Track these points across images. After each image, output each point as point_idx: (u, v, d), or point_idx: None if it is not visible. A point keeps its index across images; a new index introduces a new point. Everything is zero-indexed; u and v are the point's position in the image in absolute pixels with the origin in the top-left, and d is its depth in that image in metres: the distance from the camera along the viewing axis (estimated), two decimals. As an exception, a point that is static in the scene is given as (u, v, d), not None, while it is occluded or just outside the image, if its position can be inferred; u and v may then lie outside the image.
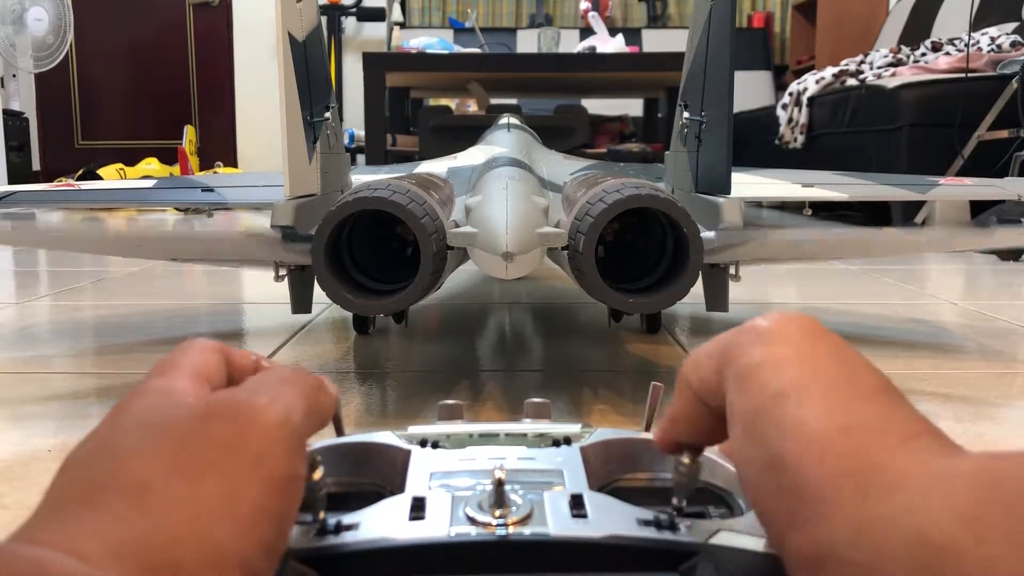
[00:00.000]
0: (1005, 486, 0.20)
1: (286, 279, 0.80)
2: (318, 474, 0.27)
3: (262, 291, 1.40)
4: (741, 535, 0.26)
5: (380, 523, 0.27)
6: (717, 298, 0.81)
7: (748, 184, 1.20)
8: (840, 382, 0.25)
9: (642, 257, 0.75)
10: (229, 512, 0.22)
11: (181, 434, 0.24)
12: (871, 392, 0.25)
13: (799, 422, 0.24)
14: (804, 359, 0.26)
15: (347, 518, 0.27)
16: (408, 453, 0.32)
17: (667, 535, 0.26)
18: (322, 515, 0.27)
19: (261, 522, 0.23)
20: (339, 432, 0.34)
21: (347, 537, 0.26)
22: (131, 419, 0.25)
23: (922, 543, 0.20)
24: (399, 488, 0.29)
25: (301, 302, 0.81)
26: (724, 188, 0.80)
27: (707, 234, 0.72)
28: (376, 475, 0.32)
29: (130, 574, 0.20)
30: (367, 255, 0.74)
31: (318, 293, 0.73)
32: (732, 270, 0.79)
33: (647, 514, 0.27)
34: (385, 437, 0.33)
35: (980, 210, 2.08)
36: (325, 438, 0.33)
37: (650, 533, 0.26)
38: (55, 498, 0.23)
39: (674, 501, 0.29)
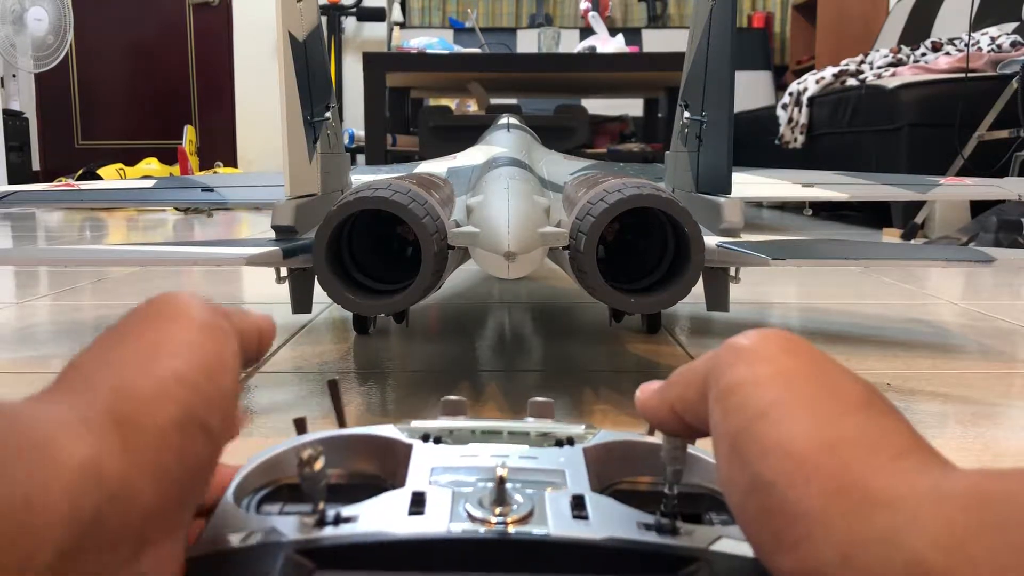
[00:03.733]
0: (996, 508, 0.20)
1: (287, 280, 0.80)
2: (318, 465, 0.27)
3: (262, 291, 1.40)
4: (742, 542, 0.26)
5: (379, 516, 0.27)
6: (718, 298, 0.81)
7: (748, 184, 1.20)
8: (823, 398, 0.25)
9: (643, 257, 0.75)
10: (169, 360, 0.26)
11: (130, 320, 0.29)
12: (856, 406, 0.25)
13: (782, 441, 0.24)
14: (785, 376, 0.25)
15: (346, 510, 0.27)
16: (410, 447, 0.32)
17: (667, 540, 0.26)
18: (321, 506, 0.27)
19: (205, 368, 0.27)
20: (341, 424, 0.34)
21: (345, 529, 0.26)
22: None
23: (914, 566, 0.19)
24: (400, 482, 0.29)
25: (301, 302, 0.81)
26: (725, 188, 0.80)
27: (710, 243, 0.72)
28: (377, 468, 0.32)
29: (101, 423, 0.24)
30: (368, 255, 0.74)
31: (318, 293, 0.74)
32: (732, 271, 0.79)
33: (648, 518, 0.27)
34: (387, 430, 0.33)
35: (980, 210, 2.08)
36: (328, 429, 0.33)
37: (650, 537, 0.26)
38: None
39: (665, 490, 0.29)
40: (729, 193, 0.80)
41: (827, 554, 0.21)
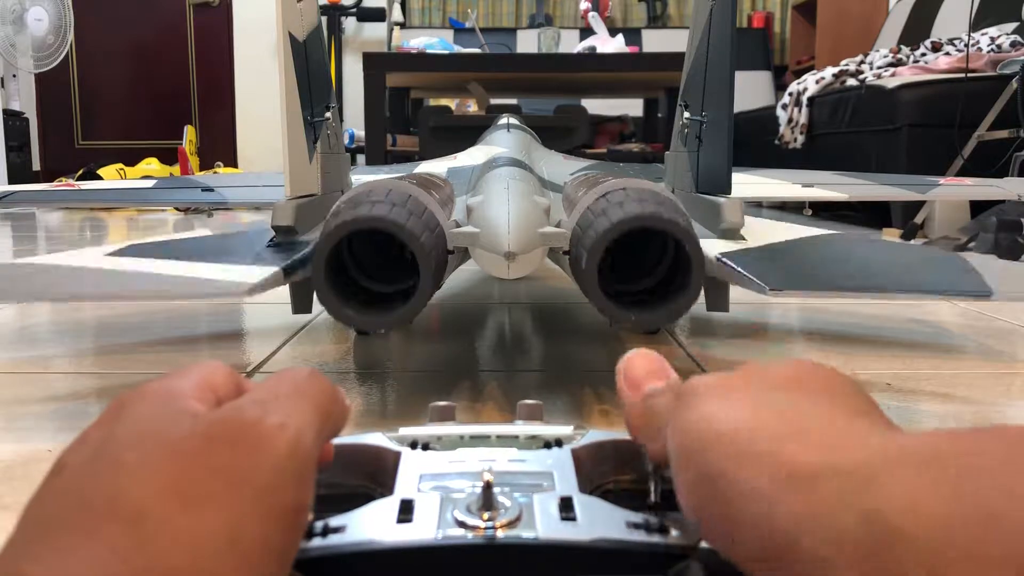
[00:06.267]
0: (949, 467, 0.20)
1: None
2: None
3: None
4: None
5: (367, 526, 0.27)
6: (717, 299, 0.81)
7: (748, 184, 1.20)
8: (769, 389, 0.26)
9: (642, 259, 0.75)
10: (231, 548, 0.21)
11: (183, 456, 0.23)
12: (813, 392, 0.26)
13: (725, 430, 0.24)
14: (729, 386, 0.27)
15: (334, 520, 0.27)
16: (398, 455, 0.32)
17: (656, 538, 0.26)
18: (309, 517, 0.27)
19: (263, 558, 0.22)
20: None
21: (333, 540, 0.26)
22: (129, 427, 0.24)
23: (871, 525, 0.19)
24: (388, 490, 0.29)
25: (302, 302, 0.81)
26: (725, 188, 0.80)
27: (710, 254, 0.72)
28: (366, 477, 0.32)
29: None
30: (368, 251, 0.74)
31: (318, 293, 0.73)
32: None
33: (637, 517, 0.27)
34: (375, 438, 0.33)
35: (980, 210, 2.08)
36: None
37: (639, 536, 0.26)
38: (46, 515, 0.22)
39: (651, 497, 0.30)
40: (729, 193, 0.80)
41: (786, 523, 0.21)
